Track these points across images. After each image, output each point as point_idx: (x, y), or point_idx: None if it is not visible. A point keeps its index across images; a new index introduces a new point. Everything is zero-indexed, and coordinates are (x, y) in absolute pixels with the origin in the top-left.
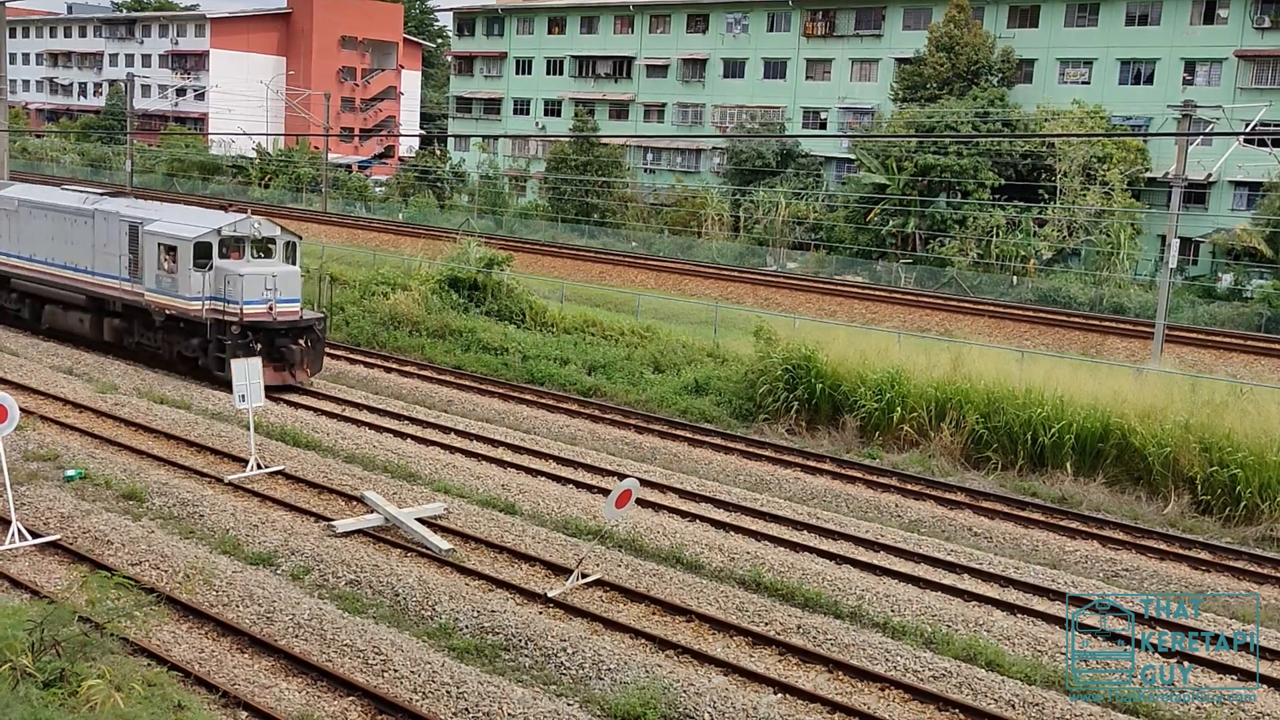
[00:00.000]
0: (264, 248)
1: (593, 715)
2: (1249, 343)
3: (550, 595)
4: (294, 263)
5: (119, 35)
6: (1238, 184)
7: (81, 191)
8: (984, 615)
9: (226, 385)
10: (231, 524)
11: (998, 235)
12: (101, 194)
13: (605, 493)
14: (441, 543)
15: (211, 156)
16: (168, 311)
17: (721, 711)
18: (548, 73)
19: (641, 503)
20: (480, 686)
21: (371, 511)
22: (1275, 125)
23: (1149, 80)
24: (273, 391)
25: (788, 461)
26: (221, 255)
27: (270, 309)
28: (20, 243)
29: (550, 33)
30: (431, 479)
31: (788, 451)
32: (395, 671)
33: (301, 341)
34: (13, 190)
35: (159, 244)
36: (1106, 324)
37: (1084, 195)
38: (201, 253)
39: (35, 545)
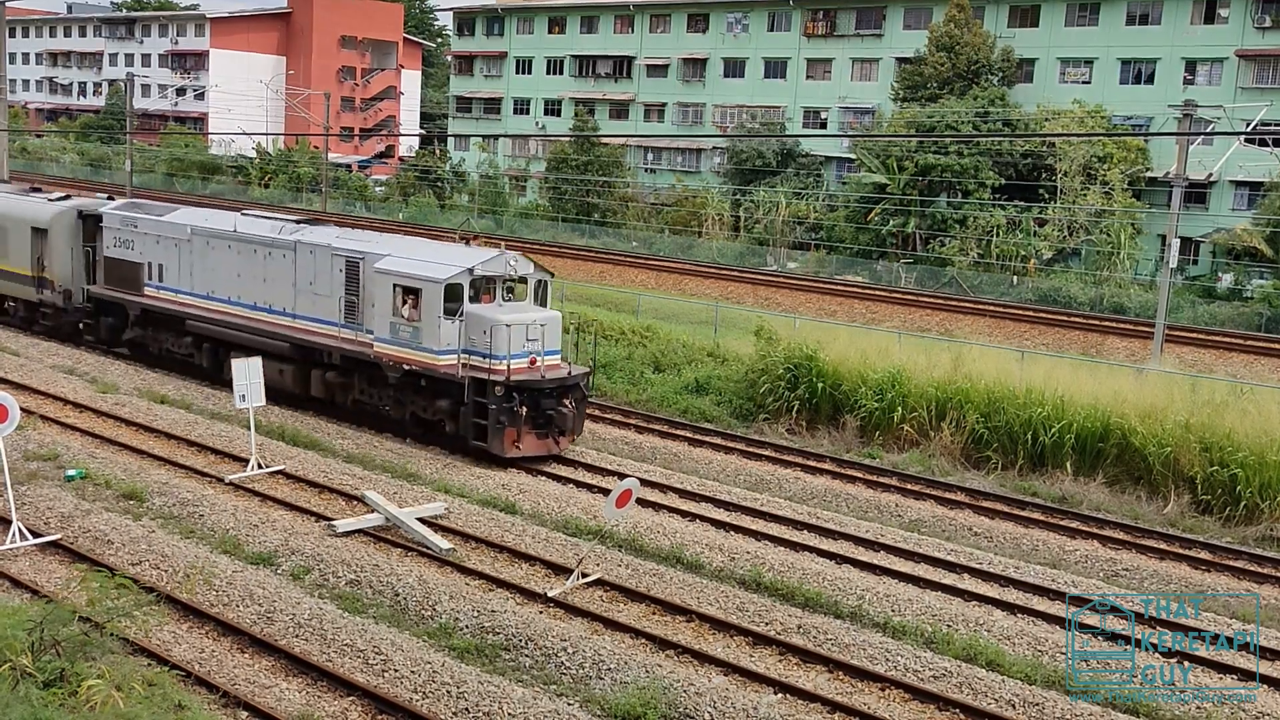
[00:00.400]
0: (511, 288)
1: (593, 715)
2: (1249, 343)
3: (550, 595)
4: (546, 305)
5: (119, 35)
6: (1238, 184)
7: (271, 218)
8: (984, 615)
9: (486, 458)
10: (232, 524)
11: (998, 235)
12: (299, 222)
13: (605, 492)
14: (442, 542)
15: (211, 156)
16: (406, 367)
17: (722, 711)
18: (548, 72)
19: (641, 502)
20: (480, 686)
21: (372, 511)
22: (1276, 125)
23: (1149, 80)
24: (532, 464)
25: (788, 461)
26: (472, 299)
27: (534, 364)
28: (195, 278)
29: (550, 32)
30: (432, 478)
31: (788, 451)
32: (395, 671)
33: (567, 402)
34: (180, 215)
35: (394, 285)
36: (1107, 324)
37: (1084, 195)
38: (453, 296)
39: (36, 545)
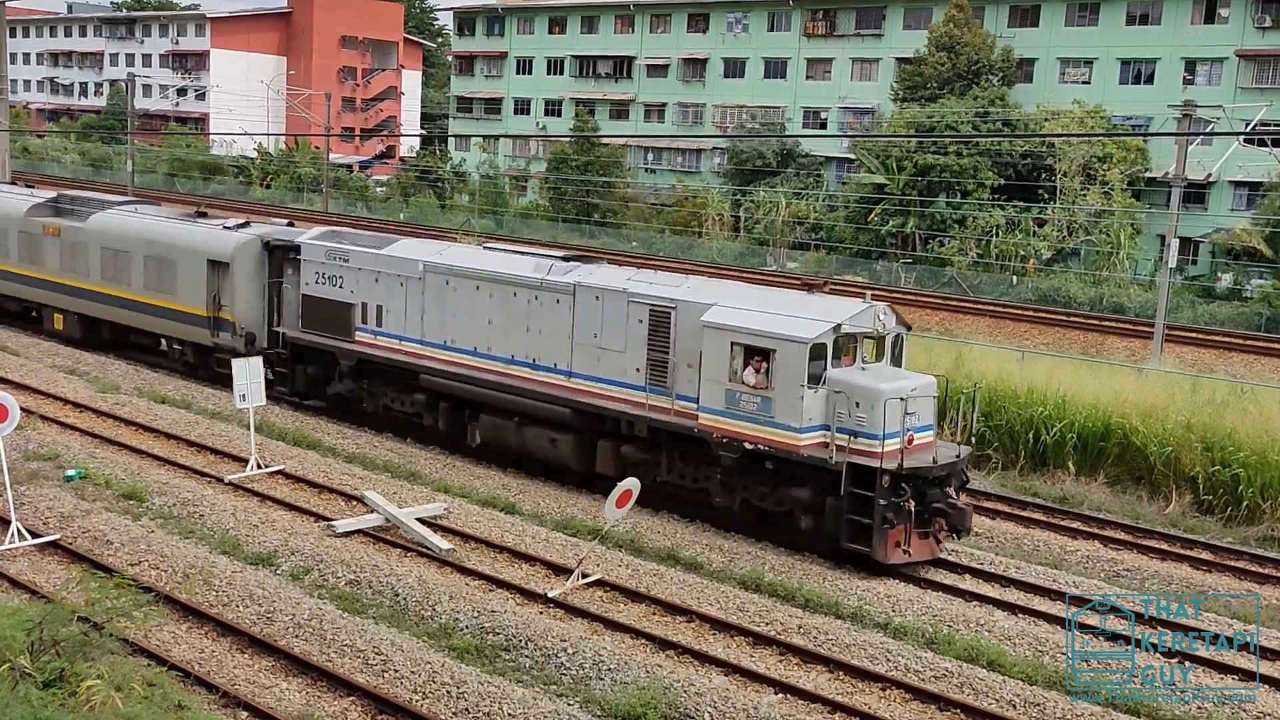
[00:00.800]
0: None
1: (593, 715)
2: (1249, 343)
3: (550, 595)
4: (901, 364)
5: (119, 35)
6: (1238, 184)
7: (529, 253)
8: (985, 615)
9: (860, 565)
10: (231, 524)
11: (997, 235)
12: (568, 260)
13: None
14: (441, 542)
15: (212, 156)
16: (749, 445)
17: (722, 711)
18: (548, 72)
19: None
20: (480, 686)
21: (371, 511)
22: (1275, 125)
23: (1149, 80)
24: (912, 572)
25: None
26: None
27: (914, 443)
28: (427, 324)
29: (551, 32)
30: (432, 478)
31: None
32: (395, 671)
33: (951, 491)
34: (404, 248)
35: (733, 344)
36: (1106, 324)
37: (1084, 195)
38: (817, 359)
39: (35, 545)
